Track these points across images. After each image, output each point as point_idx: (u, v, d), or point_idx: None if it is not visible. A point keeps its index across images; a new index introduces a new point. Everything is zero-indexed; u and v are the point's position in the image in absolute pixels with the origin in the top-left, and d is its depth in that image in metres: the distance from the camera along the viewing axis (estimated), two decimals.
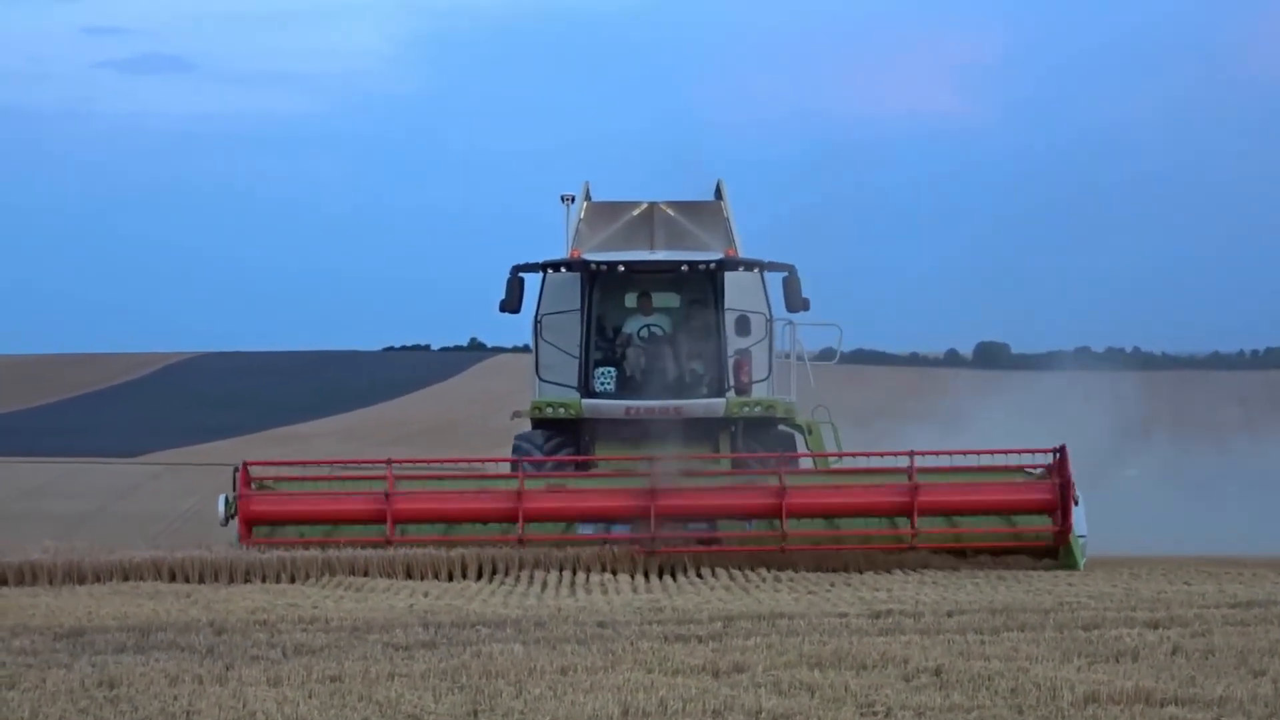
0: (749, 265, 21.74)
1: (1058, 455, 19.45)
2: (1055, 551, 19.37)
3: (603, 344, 21.79)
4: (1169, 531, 21.11)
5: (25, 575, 19.34)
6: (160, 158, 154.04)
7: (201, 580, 18.86)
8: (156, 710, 9.78)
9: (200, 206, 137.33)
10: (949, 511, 19.72)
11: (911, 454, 19.52)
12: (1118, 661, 10.85)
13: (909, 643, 11.84)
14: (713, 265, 21.37)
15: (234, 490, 19.63)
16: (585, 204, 22.57)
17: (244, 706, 9.80)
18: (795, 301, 21.61)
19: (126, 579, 18.99)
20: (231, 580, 18.57)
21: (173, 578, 19.08)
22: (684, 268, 21.38)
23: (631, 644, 12.02)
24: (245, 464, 19.97)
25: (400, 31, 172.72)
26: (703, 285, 21.64)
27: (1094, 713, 9.20)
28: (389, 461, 20.26)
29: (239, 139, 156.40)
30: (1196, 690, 9.69)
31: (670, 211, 22.61)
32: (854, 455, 21.74)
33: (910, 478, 19.33)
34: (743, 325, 22.07)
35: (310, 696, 10.08)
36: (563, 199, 22.36)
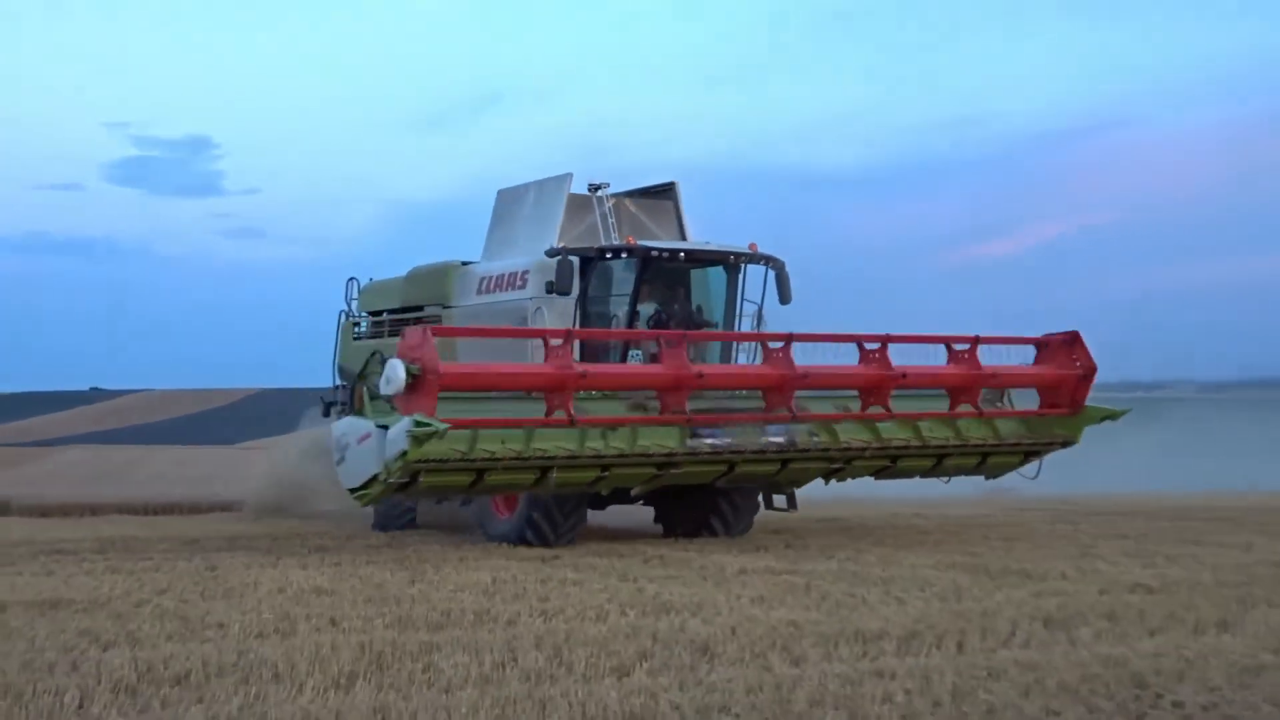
0: (769, 261, 19.86)
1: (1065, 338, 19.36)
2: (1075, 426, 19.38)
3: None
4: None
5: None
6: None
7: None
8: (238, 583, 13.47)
9: None
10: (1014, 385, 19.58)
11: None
12: None
13: None
14: (763, 258, 19.76)
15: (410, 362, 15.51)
16: (567, 196, 20.94)
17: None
18: (785, 294, 19.92)
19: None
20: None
21: None
22: (731, 258, 19.72)
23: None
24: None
25: None
26: (729, 278, 20.11)
27: None
28: None
29: None
30: None
31: (631, 207, 21.24)
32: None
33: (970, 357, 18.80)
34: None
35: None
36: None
